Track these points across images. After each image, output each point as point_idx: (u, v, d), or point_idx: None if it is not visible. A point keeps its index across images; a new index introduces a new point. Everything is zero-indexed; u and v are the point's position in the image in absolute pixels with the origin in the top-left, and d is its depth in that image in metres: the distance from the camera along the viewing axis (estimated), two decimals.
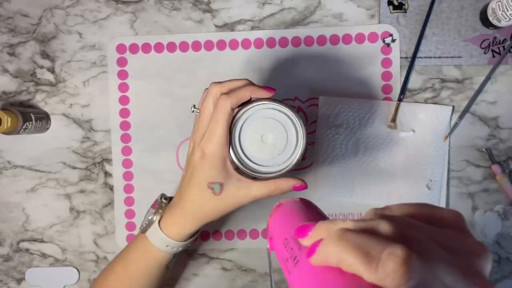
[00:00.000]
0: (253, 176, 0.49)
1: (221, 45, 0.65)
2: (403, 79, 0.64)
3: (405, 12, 0.64)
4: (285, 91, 0.65)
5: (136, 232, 0.66)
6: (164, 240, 0.51)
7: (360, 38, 0.64)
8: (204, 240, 0.66)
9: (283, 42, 0.65)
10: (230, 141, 0.48)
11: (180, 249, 0.52)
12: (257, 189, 0.49)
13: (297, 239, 0.28)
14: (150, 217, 0.52)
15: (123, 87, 0.66)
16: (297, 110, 0.65)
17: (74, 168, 0.67)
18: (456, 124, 0.63)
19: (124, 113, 0.66)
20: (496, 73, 0.64)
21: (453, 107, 0.64)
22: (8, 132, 0.59)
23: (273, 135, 0.48)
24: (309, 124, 0.65)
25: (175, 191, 0.65)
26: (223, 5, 0.65)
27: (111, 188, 0.67)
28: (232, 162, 0.48)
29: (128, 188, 0.66)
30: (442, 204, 0.64)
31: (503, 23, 0.59)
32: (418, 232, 0.23)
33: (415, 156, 0.64)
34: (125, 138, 0.66)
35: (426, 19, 0.63)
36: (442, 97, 0.64)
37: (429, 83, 0.64)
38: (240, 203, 0.49)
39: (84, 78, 0.67)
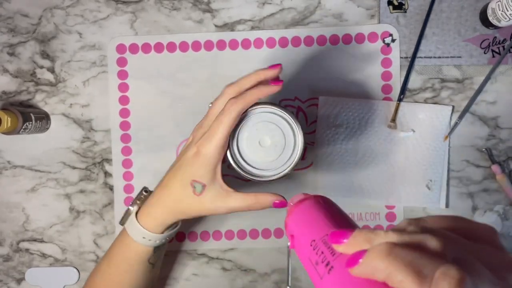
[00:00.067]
0: (251, 179, 0.49)
1: (221, 45, 0.65)
2: (403, 79, 0.64)
3: (405, 12, 0.64)
4: (285, 91, 0.65)
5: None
6: (140, 231, 0.50)
7: (360, 38, 0.64)
8: (204, 240, 0.66)
9: (283, 42, 0.65)
10: (228, 144, 0.48)
11: (158, 242, 0.52)
12: (235, 201, 0.48)
13: (330, 244, 0.27)
14: (127, 208, 0.52)
15: (123, 87, 0.66)
16: (297, 111, 0.65)
17: (74, 168, 0.67)
18: (456, 124, 0.63)
19: (124, 113, 0.66)
20: (496, 73, 0.64)
21: (453, 107, 0.64)
22: (8, 132, 0.59)
23: (271, 138, 0.48)
24: (309, 124, 0.65)
25: None
26: (223, 5, 0.65)
27: (111, 188, 0.67)
28: (229, 163, 0.48)
29: (128, 188, 0.66)
30: (442, 204, 0.64)
31: (503, 23, 0.59)
32: (462, 249, 0.23)
33: (415, 156, 0.64)
34: (125, 138, 0.66)
35: (426, 19, 0.63)
36: (442, 97, 0.64)
37: (429, 83, 0.64)
38: (216, 210, 0.49)
39: (84, 78, 0.67)
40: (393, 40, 0.64)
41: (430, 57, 0.64)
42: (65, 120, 0.67)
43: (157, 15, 0.66)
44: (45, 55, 0.67)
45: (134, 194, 0.66)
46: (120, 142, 0.66)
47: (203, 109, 0.65)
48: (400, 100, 0.64)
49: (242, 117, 0.48)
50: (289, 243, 0.33)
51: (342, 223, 0.31)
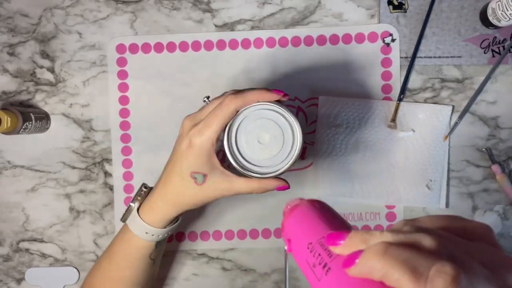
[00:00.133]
0: (250, 176, 0.49)
1: (221, 45, 0.65)
2: (403, 78, 0.64)
3: (405, 12, 0.64)
4: (285, 91, 0.65)
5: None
6: (143, 227, 0.51)
7: (360, 38, 0.64)
8: (204, 240, 0.66)
9: (283, 42, 0.65)
10: (227, 142, 0.48)
11: (160, 236, 0.52)
12: (240, 184, 0.49)
13: (326, 246, 0.28)
14: (129, 205, 0.52)
15: (123, 87, 0.66)
16: (297, 111, 0.65)
17: (74, 168, 0.67)
18: (456, 124, 0.63)
19: (124, 113, 0.66)
20: (496, 73, 0.64)
21: (453, 107, 0.64)
22: (8, 132, 0.59)
23: (269, 135, 0.48)
24: (309, 124, 0.65)
25: None
26: (223, 5, 0.65)
27: (111, 188, 0.67)
28: (229, 162, 0.48)
29: (128, 188, 0.66)
30: (442, 204, 0.64)
31: (503, 23, 0.59)
32: (457, 247, 0.23)
33: (415, 156, 0.64)
34: (125, 138, 0.66)
35: (426, 19, 0.63)
36: (442, 97, 0.64)
37: (429, 83, 0.64)
38: (221, 195, 0.49)
39: (84, 78, 0.67)
40: (393, 40, 0.64)
41: (430, 57, 0.64)
42: (65, 120, 0.67)
43: (157, 15, 0.66)
44: (45, 55, 0.67)
45: (134, 194, 0.66)
46: (120, 142, 0.66)
47: None
48: (400, 100, 0.64)
49: (239, 114, 0.48)
50: (286, 247, 0.34)
51: (338, 225, 0.32)
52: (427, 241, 0.23)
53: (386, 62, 0.64)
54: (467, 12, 0.63)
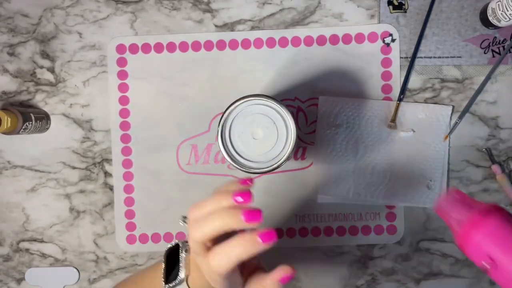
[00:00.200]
0: (244, 171, 0.49)
1: (221, 45, 0.65)
2: (403, 79, 0.64)
3: (405, 12, 0.64)
4: (285, 91, 0.65)
5: (136, 232, 0.66)
6: None
7: (360, 38, 0.64)
8: None
9: (283, 42, 0.65)
10: (221, 138, 0.48)
11: None
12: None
13: None
14: (179, 276, 0.45)
15: (123, 87, 0.66)
16: (297, 111, 0.65)
17: (74, 168, 0.67)
18: (456, 124, 0.63)
19: (124, 113, 0.66)
20: (496, 73, 0.64)
21: (453, 107, 0.64)
22: (8, 132, 0.59)
23: (263, 130, 0.48)
24: (309, 124, 0.65)
25: (174, 191, 0.66)
26: (223, 5, 0.65)
27: (111, 188, 0.67)
28: (227, 162, 0.48)
29: (128, 188, 0.66)
30: None
31: (503, 23, 0.59)
32: None
33: (415, 156, 0.64)
34: (125, 138, 0.66)
35: (426, 19, 0.63)
36: (442, 97, 0.64)
37: (429, 83, 0.64)
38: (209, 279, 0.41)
39: (84, 78, 0.67)
40: (393, 40, 0.64)
41: (430, 57, 0.64)
42: (65, 120, 0.67)
43: (157, 15, 0.66)
44: (45, 55, 0.67)
45: (134, 194, 0.66)
46: (120, 142, 0.66)
47: (203, 109, 0.66)
48: (400, 100, 0.64)
49: (232, 110, 0.48)
50: (487, 266, 0.27)
51: None
52: None
53: (386, 62, 0.64)
54: (467, 12, 0.63)
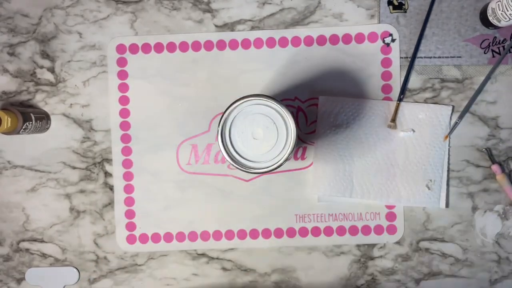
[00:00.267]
0: (244, 171, 0.49)
1: (221, 45, 0.65)
2: (403, 79, 0.64)
3: (405, 12, 0.64)
4: (285, 91, 0.65)
5: (136, 232, 0.66)
6: None
7: (360, 38, 0.64)
8: (204, 240, 0.66)
9: (283, 42, 0.65)
10: (221, 138, 0.48)
11: None
12: None
13: None
14: None
15: (123, 87, 0.66)
16: (297, 111, 0.65)
17: (74, 168, 0.67)
18: (456, 124, 0.63)
19: (124, 113, 0.66)
20: (496, 73, 0.64)
21: (453, 107, 0.64)
22: (8, 132, 0.59)
23: (263, 130, 0.48)
24: (309, 124, 0.65)
25: (174, 191, 0.66)
26: (223, 5, 0.65)
27: (111, 188, 0.67)
28: (228, 162, 0.48)
29: (128, 188, 0.66)
30: (442, 204, 0.64)
31: (503, 23, 0.59)
32: None
33: (415, 156, 0.64)
34: (125, 138, 0.66)
35: (426, 19, 0.63)
36: (442, 97, 0.64)
37: (429, 83, 0.64)
38: None
39: (84, 78, 0.67)
40: (393, 40, 0.64)
41: (430, 57, 0.64)
42: (65, 120, 0.67)
43: (157, 15, 0.66)
44: (45, 55, 0.67)
45: (134, 194, 0.66)
46: (120, 142, 0.66)
47: (203, 109, 0.66)
48: (400, 100, 0.64)
49: (232, 110, 0.48)
50: None
51: None
52: None
53: (386, 62, 0.64)
54: (467, 12, 0.63)
